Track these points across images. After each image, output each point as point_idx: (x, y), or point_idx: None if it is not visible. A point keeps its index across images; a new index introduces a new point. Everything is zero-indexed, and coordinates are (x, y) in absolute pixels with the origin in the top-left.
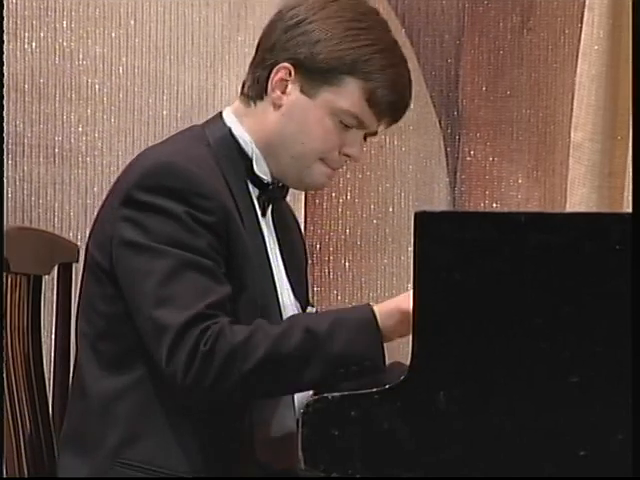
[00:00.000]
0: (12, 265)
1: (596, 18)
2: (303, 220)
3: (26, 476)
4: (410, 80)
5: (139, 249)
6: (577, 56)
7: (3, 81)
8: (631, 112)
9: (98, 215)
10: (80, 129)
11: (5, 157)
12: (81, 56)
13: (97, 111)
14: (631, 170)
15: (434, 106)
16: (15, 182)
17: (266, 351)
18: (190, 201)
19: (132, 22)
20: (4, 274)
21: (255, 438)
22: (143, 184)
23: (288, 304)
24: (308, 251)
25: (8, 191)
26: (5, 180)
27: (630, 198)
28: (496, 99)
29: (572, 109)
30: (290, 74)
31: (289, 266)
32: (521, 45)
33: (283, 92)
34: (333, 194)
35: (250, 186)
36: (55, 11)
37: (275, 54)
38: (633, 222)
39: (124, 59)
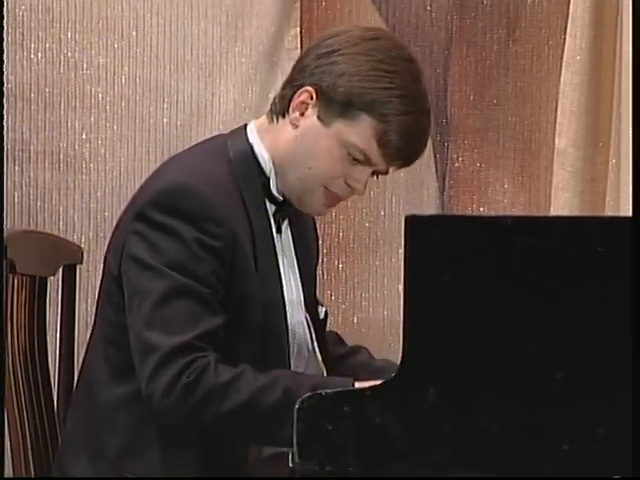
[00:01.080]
0: (18, 266)
1: (578, 30)
2: None
3: (32, 473)
4: (426, 131)
5: (143, 266)
6: (560, 66)
7: (3, 89)
8: (631, 113)
9: (117, 225)
10: (84, 136)
11: (12, 163)
12: (85, 66)
13: (100, 119)
14: (612, 176)
15: None
16: (22, 187)
17: (244, 399)
18: (200, 225)
19: (134, 33)
20: (11, 275)
21: (249, 454)
22: (157, 203)
23: (297, 320)
24: None
25: (15, 195)
26: (12, 185)
27: (612, 203)
28: (483, 107)
29: (556, 117)
30: (311, 98)
31: (304, 274)
32: (507, 56)
33: (302, 114)
34: None
35: (267, 203)
36: (60, 23)
37: (303, 77)
38: (633, 224)
39: (126, 69)
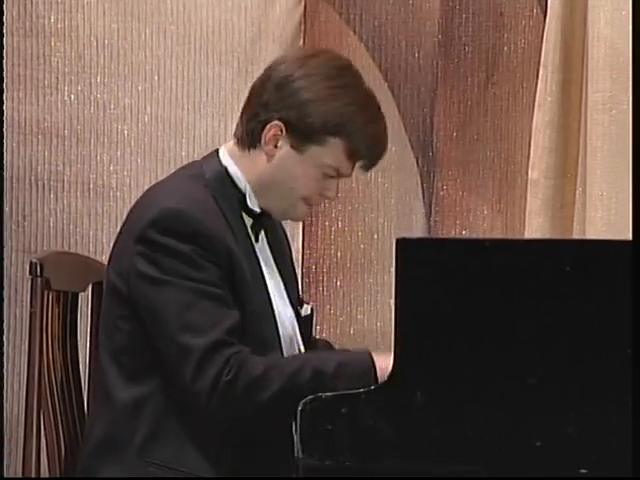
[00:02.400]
0: (53, 284)
1: (549, 74)
2: (301, 245)
3: (65, 468)
4: (385, 129)
5: (154, 282)
6: (533, 106)
7: (3, 97)
8: (631, 115)
9: (114, 247)
10: (111, 168)
11: (48, 192)
12: (112, 106)
13: (126, 153)
14: (579, 203)
15: (412, 148)
16: (56, 213)
17: (280, 386)
18: (196, 242)
19: (156, 77)
20: (46, 291)
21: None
22: (156, 226)
23: (284, 316)
24: (305, 272)
25: (50, 221)
26: (48, 211)
27: (579, 227)
28: (465, 142)
29: (529, 151)
30: (281, 131)
31: (285, 274)
32: (486, 97)
33: (275, 146)
34: (327, 223)
35: (244, 216)
36: (90, 68)
37: (268, 112)
38: (633, 227)
39: (149, 108)
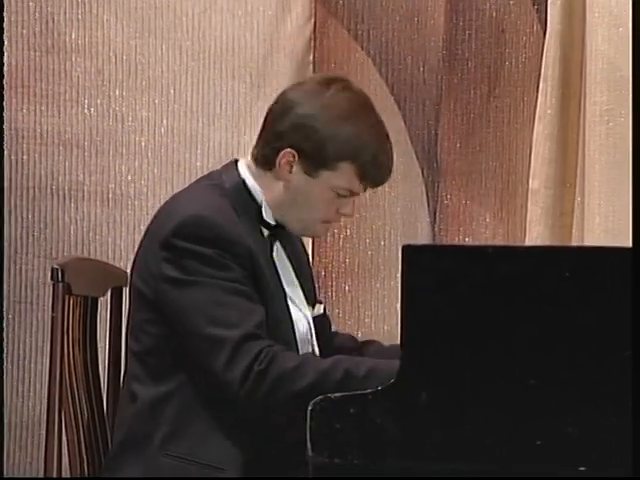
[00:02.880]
0: (73, 289)
1: (549, 88)
2: (311, 252)
3: (86, 469)
4: (391, 150)
5: (181, 284)
6: (534, 119)
7: (3, 103)
8: (631, 116)
9: (137, 254)
10: (129, 178)
11: (69, 201)
12: (130, 119)
13: (143, 163)
14: (578, 211)
15: (417, 159)
16: (77, 221)
17: (311, 381)
18: (219, 246)
19: (172, 91)
20: (67, 296)
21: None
22: (179, 233)
23: (300, 322)
24: (315, 277)
25: (71, 229)
26: (69, 219)
27: (578, 235)
28: (468, 153)
29: (530, 162)
30: (294, 158)
31: (302, 281)
32: (488, 110)
33: (289, 171)
34: (335, 230)
35: (261, 227)
36: (109, 82)
37: (282, 141)
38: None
39: (165, 121)
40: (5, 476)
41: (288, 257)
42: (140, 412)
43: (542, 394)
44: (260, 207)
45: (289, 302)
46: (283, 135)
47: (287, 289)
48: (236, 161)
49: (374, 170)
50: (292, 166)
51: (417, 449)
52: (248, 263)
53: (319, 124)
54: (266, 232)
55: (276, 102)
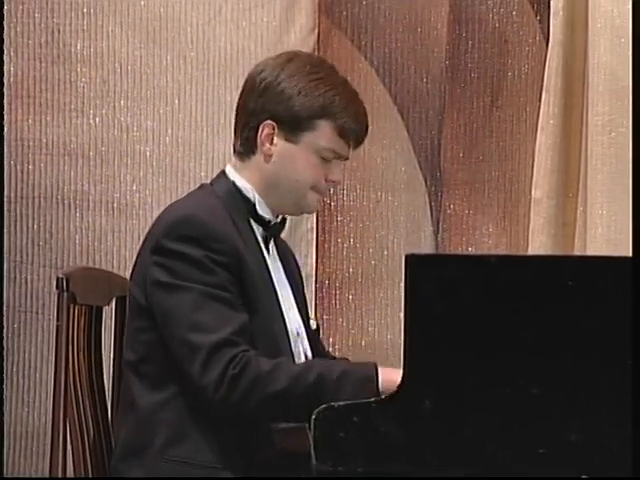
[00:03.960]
0: (78, 298)
1: (551, 98)
2: (314, 261)
3: (90, 472)
4: (364, 108)
5: (168, 287)
6: (536, 129)
7: (3, 103)
8: (631, 115)
9: (136, 261)
10: (134, 187)
11: (74, 210)
12: (135, 129)
13: (148, 173)
14: (580, 221)
15: (420, 169)
16: (82, 230)
17: (284, 385)
18: (206, 245)
19: (176, 101)
20: (72, 305)
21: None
22: (169, 234)
23: (294, 323)
24: (319, 287)
25: (76, 238)
26: (74, 229)
27: (580, 244)
28: (471, 163)
29: (532, 172)
30: (274, 129)
31: (294, 287)
32: (491, 120)
33: (271, 144)
34: (339, 240)
35: (254, 226)
36: (114, 93)
37: (256, 116)
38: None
39: (170, 131)
40: (5, 476)
41: (281, 262)
42: (139, 419)
43: (545, 402)
44: (254, 205)
45: (280, 299)
46: (255, 110)
47: (279, 287)
48: (223, 170)
49: (352, 123)
50: (273, 137)
51: (421, 456)
52: (234, 261)
53: (285, 85)
54: (260, 230)
55: (242, 89)
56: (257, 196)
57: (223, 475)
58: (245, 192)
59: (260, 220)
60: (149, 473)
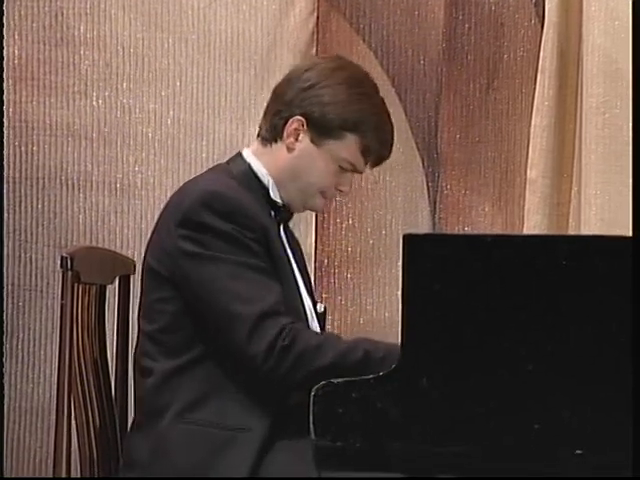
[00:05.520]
0: (82, 277)
1: (546, 80)
2: (313, 240)
3: (95, 452)
4: (393, 133)
5: (201, 258)
6: (532, 110)
7: (3, 97)
8: (631, 115)
9: (152, 238)
10: (136, 168)
11: (77, 191)
12: (137, 110)
13: (150, 154)
14: (575, 201)
15: (418, 149)
16: (85, 211)
17: (332, 359)
18: (236, 220)
19: (178, 83)
20: (76, 284)
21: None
22: (196, 207)
23: (309, 303)
24: (318, 266)
25: (79, 218)
26: (77, 209)
27: (574, 224)
28: (467, 144)
29: (528, 152)
30: (303, 126)
31: (302, 273)
32: (487, 101)
33: (296, 139)
34: (338, 220)
35: (269, 209)
36: (117, 75)
37: (291, 108)
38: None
39: (171, 113)
40: (5, 476)
41: (289, 244)
42: (154, 385)
43: (540, 379)
44: (267, 189)
45: (297, 279)
46: (292, 102)
47: (295, 272)
48: (240, 152)
49: (377, 145)
50: (299, 134)
51: (417, 432)
52: (262, 237)
53: (327, 91)
54: (273, 213)
55: (284, 78)
56: (271, 180)
57: (249, 434)
58: (260, 176)
59: (272, 204)
60: (169, 436)
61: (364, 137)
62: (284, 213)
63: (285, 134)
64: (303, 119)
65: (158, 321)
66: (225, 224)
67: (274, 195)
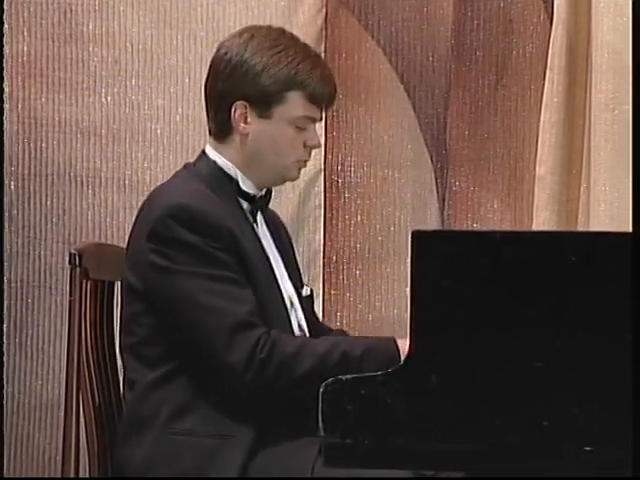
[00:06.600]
0: (91, 273)
1: (555, 77)
2: (322, 237)
3: (103, 452)
4: (330, 71)
5: (169, 273)
6: (541, 107)
7: (4, 102)
8: (631, 113)
9: (128, 244)
10: (145, 165)
11: (86, 187)
12: (146, 107)
13: (158, 150)
14: (584, 197)
15: (427, 146)
16: (94, 207)
17: (311, 364)
18: (202, 231)
19: (187, 80)
20: (84, 280)
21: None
22: (164, 222)
23: (287, 293)
24: (326, 263)
25: (88, 214)
26: (86, 205)
27: (583, 221)
28: (476, 141)
29: (537, 149)
30: (246, 108)
31: (284, 257)
32: (496, 98)
33: (245, 123)
34: (346, 216)
35: (241, 202)
36: (126, 72)
37: (227, 98)
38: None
39: (180, 109)
40: (5, 476)
41: (271, 234)
42: (139, 396)
43: (548, 376)
44: (237, 182)
45: (275, 270)
46: (224, 92)
47: (272, 261)
48: (203, 151)
49: (320, 88)
50: (246, 117)
51: (426, 430)
52: (232, 246)
53: (250, 65)
54: (246, 205)
55: (207, 73)
56: (239, 173)
57: (236, 441)
58: (227, 170)
59: (245, 196)
60: (157, 447)
61: (304, 87)
62: (258, 202)
63: (233, 123)
64: (243, 102)
65: (137, 334)
66: (192, 236)
67: (245, 186)
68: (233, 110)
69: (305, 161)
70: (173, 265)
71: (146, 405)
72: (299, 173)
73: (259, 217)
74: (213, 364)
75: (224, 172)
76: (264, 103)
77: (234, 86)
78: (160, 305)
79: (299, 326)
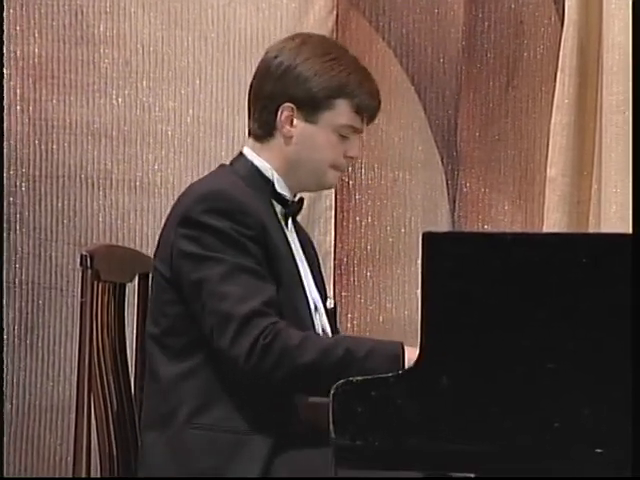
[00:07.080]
0: (102, 275)
1: (566, 78)
2: (333, 239)
3: (114, 446)
4: (377, 86)
5: (197, 259)
6: (552, 108)
7: (3, 100)
8: (631, 113)
9: (160, 237)
10: (156, 167)
11: (97, 189)
12: (157, 109)
13: (169, 152)
14: (595, 199)
15: (437, 147)
16: (105, 209)
17: (313, 357)
18: (234, 218)
19: (197, 81)
20: (96, 282)
21: (300, 403)
22: (196, 207)
23: (315, 297)
24: (337, 264)
25: (99, 216)
26: (97, 207)
27: (594, 222)
28: (487, 142)
29: (547, 151)
30: (293, 110)
31: (312, 268)
32: (507, 99)
33: (291, 125)
34: (357, 218)
35: (275, 204)
36: (137, 74)
37: (275, 99)
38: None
39: (191, 111)
40: (5, 476)
41: (300, 243)
42: (163, 390)
43: (559, 377)
44: (273, 184)
45: (301, 273)
46: (273, 93)
47: (299, 262)
48: (241, 152)
49: (367, 100)
50: (293, 119)
51: (437, 431)
52: (260, 235)
53: (302, 69)
54: (281, 209)
55: (254, 74)
56: (276, 175)
57: (255, 439)
58: (264, 172)
59: (279, 199)
60: (177, 441)
61: (353, 97)
62: (292, 206)
63: (279, 125)
64: (291, 104)
65: (162, 324)
66: (222, 222)
67: (280, 189)
68: (280, 112)
69: (342, 170)
70: (200, 250)
71: (168, 400)
72: (335, 181)
73: (290, 224)
74: (221, 351)
75: (261, 173)
76: (312, 107)
77: (284, 88)
78: (185, 292)
79: (323, 331)
